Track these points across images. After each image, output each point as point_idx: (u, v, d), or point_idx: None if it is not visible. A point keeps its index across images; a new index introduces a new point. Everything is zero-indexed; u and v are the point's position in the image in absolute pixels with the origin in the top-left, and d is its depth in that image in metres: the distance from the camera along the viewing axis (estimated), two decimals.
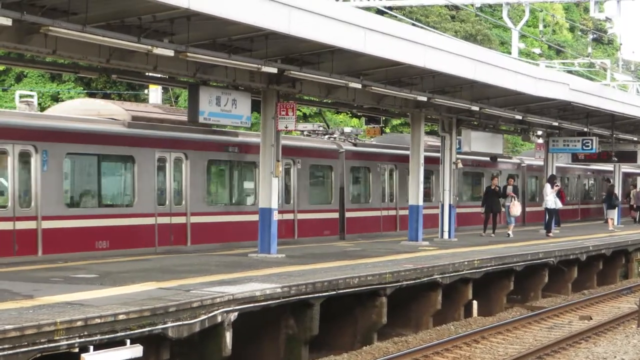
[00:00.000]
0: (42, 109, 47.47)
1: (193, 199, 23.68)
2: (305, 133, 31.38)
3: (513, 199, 32.60)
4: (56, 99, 48.26)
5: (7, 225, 19.26)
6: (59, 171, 20.51)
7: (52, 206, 20.17)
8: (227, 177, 25.73)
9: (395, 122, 48.72)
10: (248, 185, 26.24)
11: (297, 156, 27.02)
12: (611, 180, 45.21)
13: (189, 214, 23.55)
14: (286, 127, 21.75)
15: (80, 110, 23.05)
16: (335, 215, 29.11)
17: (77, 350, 11.57)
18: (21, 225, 19.53)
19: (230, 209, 25.29)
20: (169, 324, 12.97)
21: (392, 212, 31.34)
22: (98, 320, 11.80)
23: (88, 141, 21.29)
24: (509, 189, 32.93)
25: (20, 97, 23.74)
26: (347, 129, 32.15)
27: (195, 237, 23.62)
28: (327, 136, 31.19)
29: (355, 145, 30.72)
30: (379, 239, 28.75)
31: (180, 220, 23.40)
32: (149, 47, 16.84)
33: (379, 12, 36.90)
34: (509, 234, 31.70)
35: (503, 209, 32.88)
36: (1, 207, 19.37)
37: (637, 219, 47.62)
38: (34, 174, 19.87)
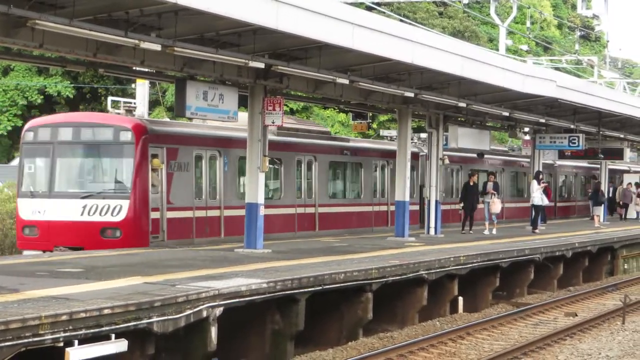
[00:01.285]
0: (29, 102, 47.40)
1: (320, 193, 28.54)
2: (389, 138, 36.79)
3: (493, 196, 31.83)
4: (43, 92, 48.09)
5: (202, 213, 23.91)
6: (235, 171, 25.05)
7: (230, 198, 24.74)
8: (343, 175, 30.84)
9: (383, 118, 48.73)
10: (357, 181, 31.05)
11: (391, 158, 30.63)
12: (597, 177, 45.21)
13: (317, 205, 28.33)
14: (273, 122, 21.76)
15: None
16: (417, 207, 33.05)
17: (61, 344, 11.54)
18: (211, 213, 24.20)
19: (345, 202, 30.38)
20: (154, 319, 12.95)
21: (459, 206, 33.82)
22: (83, 315, 11.78)
23: None
24: (489, 185, 32.11)
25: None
26: (423, 135, 35.17)
27: (322, 224, 28.31)
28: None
29: None
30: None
31: (310, 210, 28.32)
32: (136, 42, 16.84)
33: (368, 8, 36.85)
34: (489, 232, 31.24)
35: (480, 206, 32.51)
36: (199, 199, 23.81)
37: (622, 216, 47.79)
38: (218, 173, 24.44)
